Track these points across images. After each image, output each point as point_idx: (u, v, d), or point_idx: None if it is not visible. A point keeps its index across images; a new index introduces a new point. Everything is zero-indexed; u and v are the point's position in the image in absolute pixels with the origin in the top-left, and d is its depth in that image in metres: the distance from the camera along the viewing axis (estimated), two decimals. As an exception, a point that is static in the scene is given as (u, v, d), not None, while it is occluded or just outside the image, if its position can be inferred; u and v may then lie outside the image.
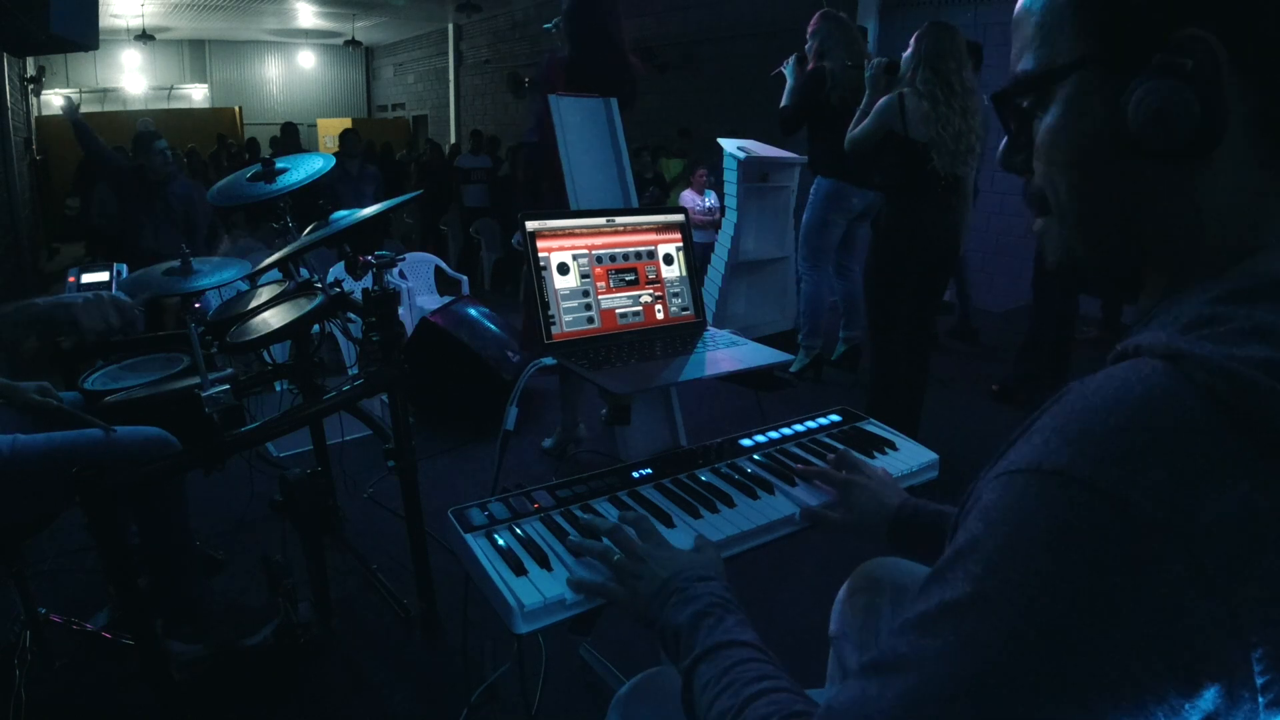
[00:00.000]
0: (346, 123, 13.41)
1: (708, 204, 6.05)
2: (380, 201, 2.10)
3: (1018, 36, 0.57)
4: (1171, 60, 0.48)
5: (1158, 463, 0.42)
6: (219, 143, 11.10)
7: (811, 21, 3.61)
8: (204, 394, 1.41)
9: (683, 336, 1.39)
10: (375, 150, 9.77)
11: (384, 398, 2.86)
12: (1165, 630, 0.40)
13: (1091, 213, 0.56)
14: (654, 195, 6.64)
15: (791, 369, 3.97)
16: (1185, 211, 0.51)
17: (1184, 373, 0.44)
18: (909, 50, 2.67)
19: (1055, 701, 0.41)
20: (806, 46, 3.61)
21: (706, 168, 6.20)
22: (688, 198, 6.12)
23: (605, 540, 0.92)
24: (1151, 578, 0.40)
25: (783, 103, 3.60)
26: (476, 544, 0.97)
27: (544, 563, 0.93)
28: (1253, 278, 0.47)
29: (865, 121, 2.73)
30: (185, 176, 4.59)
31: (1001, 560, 0.44)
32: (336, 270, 3.02)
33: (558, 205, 2.57)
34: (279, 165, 2.01)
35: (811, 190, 3.83)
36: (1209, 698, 0.40)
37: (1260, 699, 0.40)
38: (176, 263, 1.97)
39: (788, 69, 3.59)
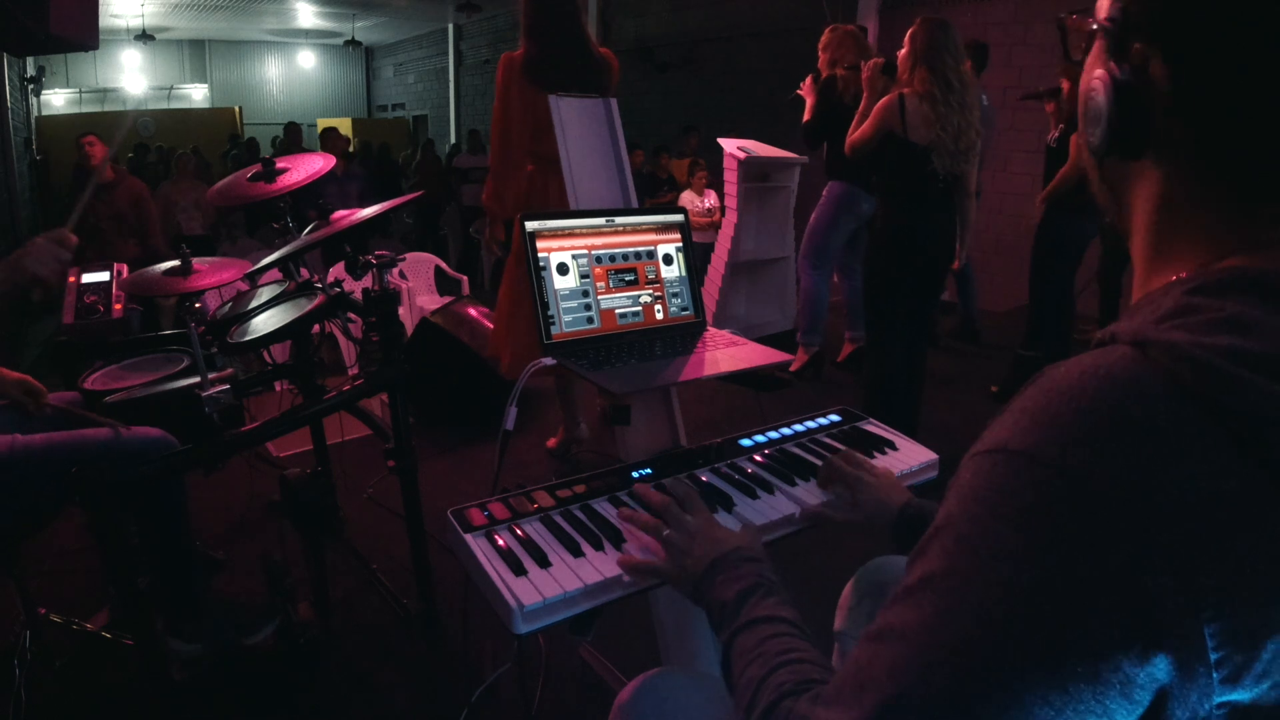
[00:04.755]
0: (347, 122, 13.42)
1: (707, 205, 6.04)
2: (365, 200, 2.10)
3: None
4: (1115, 67, 0.51)
5: (1118, 444, 0.43)
6: (231, 142, 11.07)
7: (823, 37, 3.67)
8: (204, 394, 1.41)
9: (682, 336, 1.39)
10: (373, 150, 9.78)
11: (384, 398, 2.86)
12: (1121, 604, 0.42)
13: (1097, 172, 0.60)
14: (674, 197, 6.60)
15: (790, 368, 3.96)
16: (1153, 206, 0.54)
17: (1150, 359, 0.45)
18: (904, 49, 2.63)
19: (1023, 668, 0.43)
20: (820, 62, 3.66)
21: (706, 169, 6.21)
22: (686, 198, 6.13)
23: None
24: (1109, 554, 0.42)
25: (805, 119, 3.63)
26: (476, 544, 0.97)
27: (544, 563, 0.93)
28: (1224, 272, 0.49)
29: (865, 124, 2.69)
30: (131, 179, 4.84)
31: (971, 536, 0.47)
32: (337, 270, 3.02)
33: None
34: (279, 165, 2.00)
35: (824, 191, 3.85)
36: (1162, 670, 0.42)
37: (1215, 674, 0.41)
38: (177, 262, 1.97)
39: (805, 90, 3.63)
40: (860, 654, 0.52)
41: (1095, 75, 0.53)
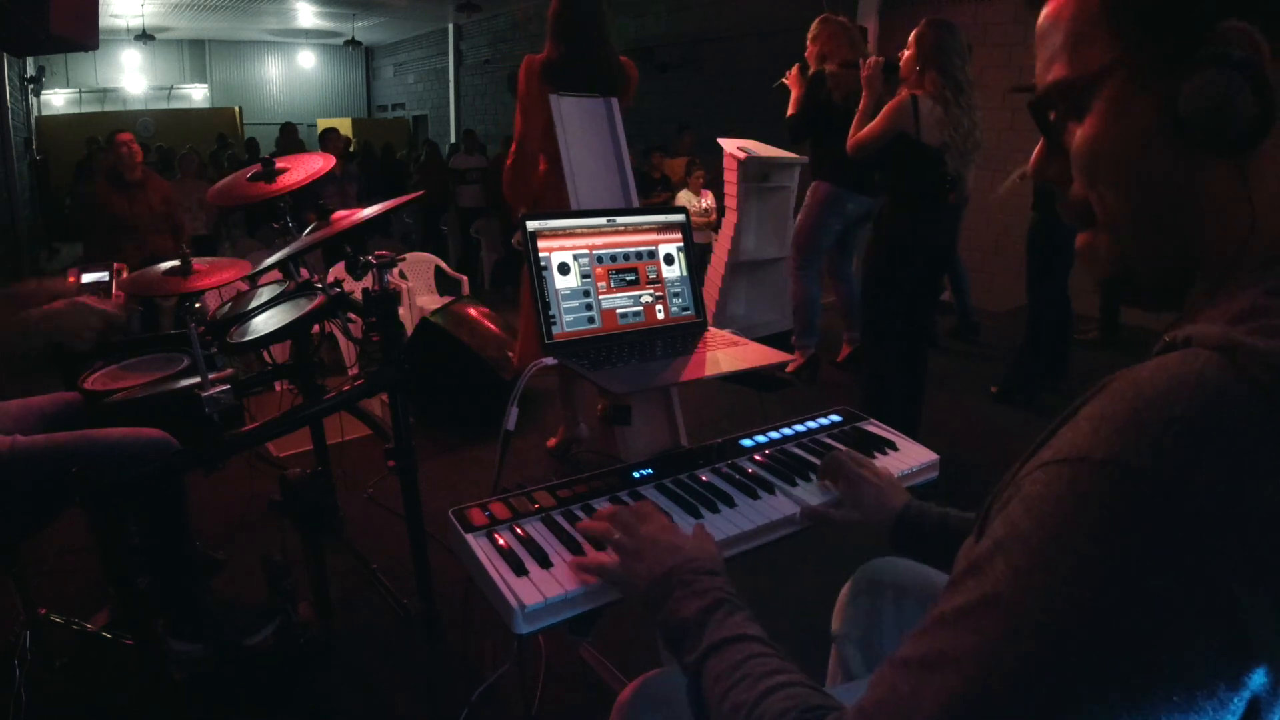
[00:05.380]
0: (347, 122, 13.42)
1: (704, 205, 6.04)
2: (363, 200, 2.10)
3: (1045, 45, 0.56)
4: (1220, 51, 0.47)
5: (1212, 454, 0.41)
6: (219, 142, 11.08)
7: (812, 27, 3.60)
8: (204, 394, 1.41)
9: (683, 336, 1.39)
10: (375, 151, 9.80)
11: (384, 398, 2.86)
12: (1218, 622, 0.40)
13: (1144, 219, 0.54)
14: (669, 198, 6.58)
15: (786, 369, 3.95)
16: (1236, 206, 0.51)
17: (1238, 365, 0.43)
18: (909, 50, 2.62)
19: (1103, 696, 0.40)
20: (808, 53, 3.60)
21: (704, 168, 6.21)
22: (684, 198, 6.14)
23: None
24: (1204, 569, 0.40)
25: (789, 112, 3.58)
26: (477, 544, 0.97)
27: (545, 563, 0.93)
28: None
29: (873, 123, 2.67)
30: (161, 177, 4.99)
31: (1050, 550, 0.43)
32: (337, 270, 3.02)
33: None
34: (279, 165, 2.00)
35: (809, 192, 3.82)
36: (1257, 683, 0.40)
37: None
38: (177, 263, 1.97)
39: (790, 81, 3.58)
40: (900, 682, 0.47)
41: (1201, 71, 0.48)
